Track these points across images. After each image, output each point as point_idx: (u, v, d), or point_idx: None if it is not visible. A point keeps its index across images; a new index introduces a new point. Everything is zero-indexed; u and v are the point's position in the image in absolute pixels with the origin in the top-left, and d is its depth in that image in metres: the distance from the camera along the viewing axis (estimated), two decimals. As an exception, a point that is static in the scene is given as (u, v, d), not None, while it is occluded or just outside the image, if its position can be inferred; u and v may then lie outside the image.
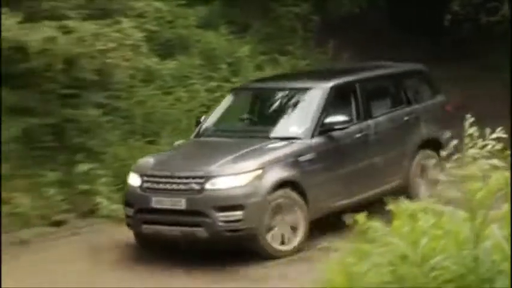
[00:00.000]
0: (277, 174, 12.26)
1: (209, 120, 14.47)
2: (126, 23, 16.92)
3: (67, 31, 16.20)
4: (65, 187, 16.42)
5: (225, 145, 13.67)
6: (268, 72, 21.12)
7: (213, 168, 12.32)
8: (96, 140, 17.38)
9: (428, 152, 14.37)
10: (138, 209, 12.63)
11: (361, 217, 7.42)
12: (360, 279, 7.13)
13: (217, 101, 18.78)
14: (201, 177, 12.14)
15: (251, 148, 12.83)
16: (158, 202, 12.31)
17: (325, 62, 22.53)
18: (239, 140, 13.70)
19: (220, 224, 11.89)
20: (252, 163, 12.30)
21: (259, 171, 12.15)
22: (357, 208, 11.70)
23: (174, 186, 12.30)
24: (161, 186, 12.42)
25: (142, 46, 17.72)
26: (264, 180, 12.10)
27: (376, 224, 7.47)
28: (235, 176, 12.12)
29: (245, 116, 14.60)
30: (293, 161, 12.61)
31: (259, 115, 14.52)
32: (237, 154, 12.64)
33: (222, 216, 11.90)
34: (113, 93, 18.26)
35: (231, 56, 21.29)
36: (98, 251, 14.72)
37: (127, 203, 12.96)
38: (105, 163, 17.09)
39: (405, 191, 13.16)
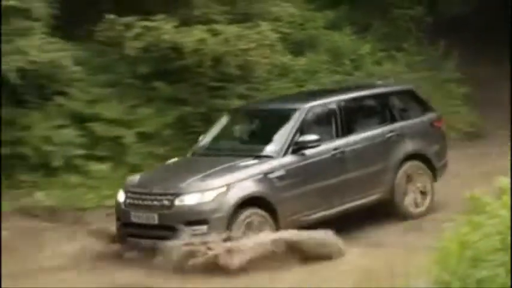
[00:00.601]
0: (242, 191, 12.12)
1: (204, 139, 14.34)
2: (264, 26, 17.95)
3: (215, 33, 17.40)
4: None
5: (201, 163, 13.57)
6: (387, 67, 21.80)
7: (182, 185, 12.27)
8: None
9: (415, 164, 14.21)
10: (122, 223, 12.67)
11: (474, 194, 7.81)
12: (472, 246, 7.31)
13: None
14: (171, 194, 12.12)
15: (222, 166, 12.74)
16: (136, 217, 12.36)
17: (437, 58, 22.78)
18: (217, 158, 13.56)
19: (189, 236, 11.82)
20: (218, 181, 12.17)
21: (224, 189, 12.05)
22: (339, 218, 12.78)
23: (149, 203, 12.31)
24: (139, 202, 12.42)
25: (278, 45, 18.80)
26: (228, 197, 11.99)
27: (489, 199, 7.83)
28: (201, 193, 12.03)
29: (231, 135, 14.54)
30: (261, 177, 12.40)
31: (243, 135, 14.39)
32: (207, 172, 12.55)
33: (189, 230, 11.88)
34: (253, 85, 18.97)
35: (353, 53, 21.86)
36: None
37: (116, 218, 12.93)
38: None
39: (391, 201, 13.64)
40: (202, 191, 11.94)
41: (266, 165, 12.54)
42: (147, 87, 18.06)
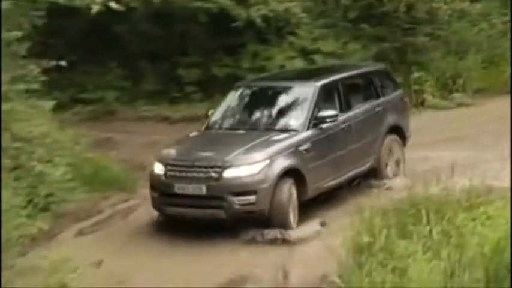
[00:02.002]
0: (283, 163, 11.39)
1: (216, 114, 13.19)
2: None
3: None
4: (404, 87, 17.46)
5: (235, 137, 12.46)
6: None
7: (229, 158, 11.35)
8: (425, 57, 19.34)
9: (393, 136, 13.54)
10: (162, 193, 11.65)
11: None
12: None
13: (506, 32, 19.90)
14: (218, 167, 11.25)
15: (258, 140, 11.83)
16: (180, 188, 11.39)
17: None
18: (245, 132, 12.50)
19: (237, 206, 11.14)
20: (261, 154, 11.38)
21: (268, 161, 11.27)
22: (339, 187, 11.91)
23: (195, 175, 11.38)
24: (183, 174, 11.47)
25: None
26: (273, 169, 11.25)
27: None
28: (248, 166, 11.26)
29: (248, 110, 13.17)
30: (293, 150, 11.66)
31: (260, 110, 12.97)
32: (247, 146, 11.65)
33: (238, 200, 11.13)
34: (437, 26, 19.65)
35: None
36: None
37: (152, 187, 11.91)
38: (430, 72, 19.02)
39: (376, 171, 13.08)
40: (249, 163, 11.29)
41: (296, 139, 11.88)
42: (355, 28, 19.60)
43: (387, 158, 13.36)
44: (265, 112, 12.89)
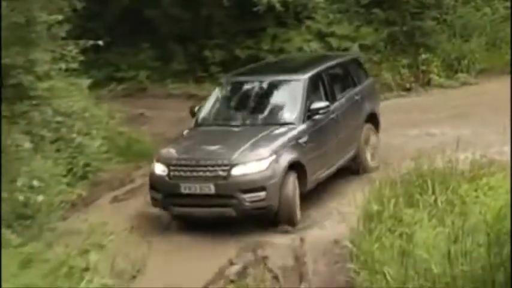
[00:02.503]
0: (287, 157, 10.48)
1: (204, 111, 11.99)
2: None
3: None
4: (412, 68, 18.51)
5: (234, 134, 11.36)
6: None
7: (235, 156, 10.37)
8: (432, 40, 19.05)
9: (369, 124, 12.73)
10: (167, 194, 10.53)
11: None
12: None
13: (507, 17, 19.39)
14: (226, 165, 10.29)
15: (260, 136, 10.83)
16: (187, 188, 10.36)
17: None
18: (242, 128, 11.47)
19: (246, 204, 10.19)
20: (267, 150, 10.45)
21: (274, 156, 10.36)
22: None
23: (201, 174, 10.36)
24: (189, 174, 10.43)
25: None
26: (279, 164, 10.34)
27: None
28: (256, 162, 10.33)
29: (238, 106, 12.10)
30: (294, 143, 10.75)
31: (251, 105, 11.93)
32: (251, 142, 10.66)
33: (248, 197, 10.19)
34: (443, 10, 19.45)
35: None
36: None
37: (154, 188, 10.73)
38: (437, 54, 18.79)
39: (357, 158, 12.23)
40: (257, 160, 10.37)
41: (295, 132, 10.98)
42: (368, 13, 19.48)
43: (365, 146, 12.49)
44: (258, 107, 11.91)
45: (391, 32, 19.21)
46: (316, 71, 12.03)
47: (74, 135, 11.26)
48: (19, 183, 8.53)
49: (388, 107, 16.61)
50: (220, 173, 10.33)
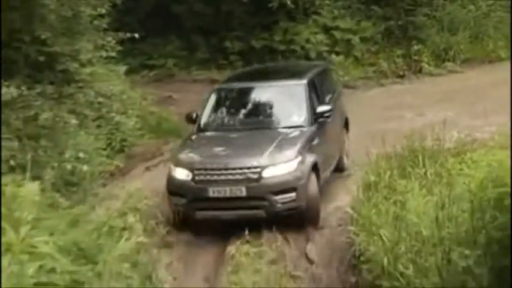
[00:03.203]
0: (310, 158, 9.48)
1: (205, 116, 10.66)
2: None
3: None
4: (405, 58, 18.41)
5: (251, 137, 10.10)
6: None
7: (265, 159, 9.28)
8: (423, 33, 18.90)
9: (344, 128, 11.80)
10: (192, 198, 9.27)
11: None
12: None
13: (488, 13, 19.51)
14: (256, 167, 9.17)
15: (280, 138, 9.78)
16: (216, 192, 9.17)
17: None
18: (256, 131, 10.23)
19: (278, 205, 9.13)
20: (292, 151, 9.44)
21: (300, 158, 9.34)
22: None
23: (230, 177, 9.19)
24: (216, 177, 9.23)
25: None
26: (305, 164, 9.34)
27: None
28: (285, 164, 9.27)
29: (243, 110, 10.81)
30: (310, 146, 9.77)
31: (256, 109, 10.76)
32: (275, 144, 9.59)
33: (279, 198, 9.12)
34: (433, 8, 19.24)
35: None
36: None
37: (176, 194, 9.44)
38: (427, 45, 18.64)
39: (340, 158, 11.24)
40: (286, 161, 9.32)
41: (308, 134, 9.99)
42: (367, 9, 19.28)
43: (344, 148, 11.57)
44: (263, 111, 10.77)
45: (388, 26, 19.09)
46: (310, 77, 11.01)
47: (113, 114, 11.25)
48: (67, 154, 8.61)
49: (384, 92, 16.87)
50: (251, 175, 9.24)
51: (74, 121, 8.92)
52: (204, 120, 10.69)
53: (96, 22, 9.71)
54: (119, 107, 11.95)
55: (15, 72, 8.05)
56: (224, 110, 11.03)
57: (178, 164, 9.66)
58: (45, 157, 8.04)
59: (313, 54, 18.35)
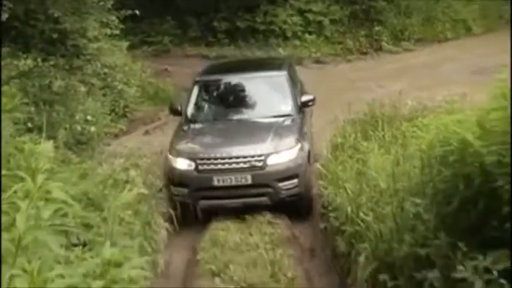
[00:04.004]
0: (306, 145, 8.63)
1: (190, 108, 9.46)
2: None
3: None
4: (368, 37, 18.47)
5: (246, 126, 9.07)
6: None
7: (267, 146, 8.34)
8: (383, 16, 18.94)
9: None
10: (195, 188, 8.24)
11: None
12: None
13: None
14: (260, 155, 8.21)
15: (276, 126, 8.77)
16: (220, 180, 8.17)
17: None
18: (249, 120, 9.18)
19: (282, 192, 8.21)
20: (292, 139, 8.53)
21: (299, 145, 8.47)
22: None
23: (235, 166, 8.19)
24: (220, 166, 8.21)
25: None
26: (304, 151, 8.49)
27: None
28: (288, 151, 8.34)
29: (230, 101, 9.71)
30: (302, 133, 8.87)
31: (243, 99, 9.66)
32: (272, 132, 8.62)
33: (283, 185, 8.21)
34: None
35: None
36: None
37: (178, 184, 8.34)
38: (386, 27, 18.79)
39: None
40: (287, 149, 8.38)
41: (299, 122, 9.06)
42: None
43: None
44: (250, 101, 9.67)
45: (353, 10, 19.03)
46: (287, 68, 10.08)
47: (116, 83, 11.23)
48: (77, 117, 8.59)
49: (350, 67, 16.90)
50: (256, 163, 8.27)
51: (83, 89, 8.91)
52: (191, 111, 9.53)
53: (101, 3, 9.54)
54: (122, 78, 11.91)
55: (32, 46, 8.00)
56: (211, 101, 9.99)
57: (179, 154, 8.56)
58: (58, 119, 8.04)
59: (289, 34, 18.28)
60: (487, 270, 4.26)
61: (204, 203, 8.36)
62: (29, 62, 7.84)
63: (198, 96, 9.74)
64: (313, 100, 9.51)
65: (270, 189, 8.28)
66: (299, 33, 18.35)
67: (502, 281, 4.16)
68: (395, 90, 10.18)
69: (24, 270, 2.25)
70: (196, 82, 9.90)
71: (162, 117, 12.91)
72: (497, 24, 19.19)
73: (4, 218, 2.76)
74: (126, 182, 7.30)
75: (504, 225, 4.25)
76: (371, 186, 6.76)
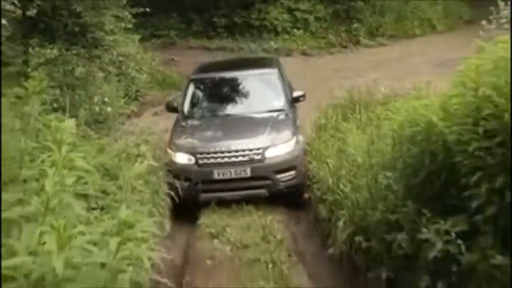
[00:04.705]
0: (301, 138, 8.06)
1: (186, 105, 8.72)
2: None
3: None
4: (348, 33, 18.20)
5: (242, 120, 8.27)
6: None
7: (265, 139, 7.68)
8: (361, 15, 18.71)
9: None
10: (196, 182, 7.52)
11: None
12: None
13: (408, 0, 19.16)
14: (258, 149, 7.54)
15: (272, 121, 8.10)
16: (220, 174, 7.51)
17: None
18: (246, 115, 8.35)
19: (281, 183, 7.57)
20: (289, 132, 7.89)
21: (295, 138, 7.87)
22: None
23: (234, 159, 7.51)
24: (220, 160, 7.53)
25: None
26: (300, 143, 7.92)
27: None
28: (285, 144, 7.71)
29: (225, 98, 8.84)
30: (296, 126, 8.24)
31: (238, 96, 8.82)
32: (269, 126, 7.96)
33: (281, 177, 7.58)
34: None
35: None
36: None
37: (177, 177, 7.35)
38: (363, 24, 18.71)
39: None
40: (284, 142, 7.73)
41: (291, 116, 8.35)
42: None
43: None
44: (244, 97, 8.80)
45: (335, 9, 18.93)
46: (277, 66, 9.33)
47: (129, 70, 11.16)
48: (95, 99, 8.55)
49: (333, 59, 16.78)
50: (255, 156, 7.60)
51: (100, 75, 8.85)
52: (186, 108, 8.74)
53: (117, 0, 9.47)
54: (134, 66, 11.85)
55: (57, 38, 7.97)
56: (206, 98, 9.09)
57: (178, 149, 7.85)
58: (79, 101, 8.01)
59: (279, 29, 18.14)
60: (447, 233, 4.29)
61: (204, 196, 7.64)
62: (55, 51, 7.84)
63: (193, 93, 8.96)
64: (303, 96, 8.77)
65: (268, 181, 7.62)
66: (288, 29, 18.26)
67: (459, 241, 4.20)
68: (371, 79, 10.20)
69: (52, 227, 2.28)
70: (191, 80, 9.12)
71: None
72: (457, 23, 19.32)
73: (34, 184, 2.86)
74: (138, 155, 7.26)
75: (462, 195, 4.25)
76: (349, 162, 6.75)
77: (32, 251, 2.28)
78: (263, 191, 7.64)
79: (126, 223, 2.44)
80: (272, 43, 17.59)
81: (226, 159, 7.61)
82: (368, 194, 5.80)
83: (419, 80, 8.95)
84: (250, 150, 7.63)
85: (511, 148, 3.91)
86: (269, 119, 8.24)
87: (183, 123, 8.48)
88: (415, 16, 19.41)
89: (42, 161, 2.71)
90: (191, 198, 7.53)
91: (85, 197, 3.56)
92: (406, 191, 5.10)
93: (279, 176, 7.63)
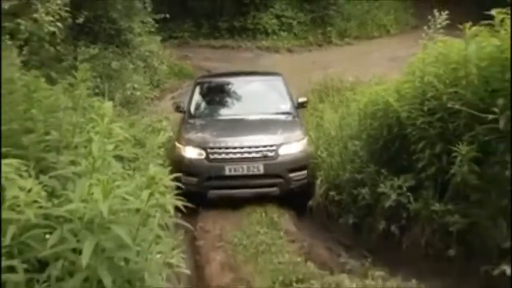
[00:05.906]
0: (310, 138, 6.70)
1: (193, 105, 7.37)
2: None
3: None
4: (323, 34, 17.59)
5: (252, 120, 6.87)
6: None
7: (279, 137, 6.36)
8: (333, 21, 17.92)
9: None
10: (206, 177, 6.12)
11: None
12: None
13: (370, 9, 18.68)
14: (271, 145, 6.21)
15: (282, 121, 6.86)
16: (232, 170, 6.12)
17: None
18: (252, 116, 6.91)
19: (293, 182, 6.21)
20: (301, 132, 6.61)
21: (307, 137, 6.59)
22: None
23: (246, 155, 6.13)
24: (232, 156, 6.15)
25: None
26: (310, 144, 6.57)
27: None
28: (298, 143, 6.39)
29: (234, 100, 7.44)
30: (304, 128, 6.89)
31: (246, 99, 7.35)
32: (281, 125, 6.71)
33: (294, 176, 6.22)
34: (338, 6, 17.80)
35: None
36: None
37: (186, 172, 5.63)
38: (335, 27, 17.86)
39: None
40: (297, 140, 6.43)
41: (300, 119, 7.07)
42: (301, 5, 18.06)
43: None
44: (253, 100, 7.33)
45: (313, 16, 18.33)
46: (280, 75, 7.97)
47: (153, 63, 11.05)
48: (127, 86, 8.46)
49: (311, 55, 16.37)
50: (268, 153, 6.20)
51: (131, 67, 8.77)
52: (193, 108, 7.35)
53: (143, 9, 9.33)
54: (156, 60, 11.69)
55: (98, 39, 7.95)
56: (213, 99, 7.69)
57: (188, 143, 6.39)
58: (115, 87, 7.88)
59: (269, 31, 17.72)
60: (399, 187, 4.37)
61: (213, 192, 6.20)
62: (96, 49, 7.83)
63: (201, 94, 7.61)
64: (307, 102, 7.50)
65: (281, 180, 6.21)
66: (276, 31, 17.87)
67: (408, 193, 4.29)
68: (341, 70, 10.18)
69: (98, 181, 2.32)
70: (198, 83, 7.82)
71: (184, 87, 12.68)
72: (405, 28, 18.99)
73: (83, 149, 2.92)
74: (160, 129, 7.25)
75: (411, 158, 4.31)
76: (325, 134, 6.74)
77: (84, 200, 2.34)
78: (274, 190, 6.20)
79: (154, 179, 2.45)
80: (264, 42, 17.36)
81: (238, 155, 6.18)
82: (339, 159, 5.82)
83: (377, 71, 9.06)
84: (264, 146, 6.25)
85: (447, 122, 3.98)
86: (279, 119, 6.95)
87: (191, 121, 7.08)
88: (374, 22, 19.23)
89: (88, 131, 2.73)
90: (198, 196, 5.83)
91: (121, 159, 3.65)
92: (368, 156, 5.20)
93: (291, 175, 6.23)
